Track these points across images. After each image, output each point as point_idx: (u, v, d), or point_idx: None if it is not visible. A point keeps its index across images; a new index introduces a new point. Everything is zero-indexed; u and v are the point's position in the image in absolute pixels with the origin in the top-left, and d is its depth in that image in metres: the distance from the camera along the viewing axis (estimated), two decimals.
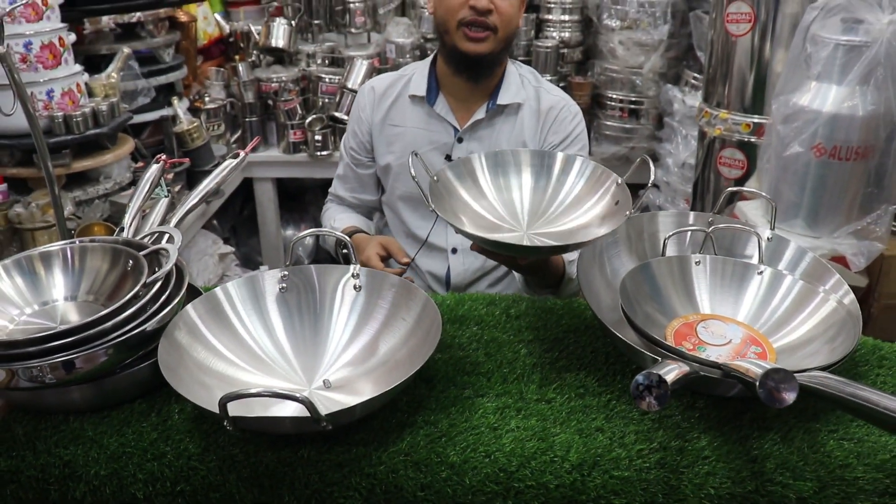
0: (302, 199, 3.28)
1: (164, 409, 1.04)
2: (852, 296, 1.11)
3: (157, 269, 1.13)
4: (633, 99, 2.65)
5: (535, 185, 1.29)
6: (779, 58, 1.95)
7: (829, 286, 1.12)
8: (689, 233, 1.25)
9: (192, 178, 2.28)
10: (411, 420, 1.00)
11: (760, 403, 0.99)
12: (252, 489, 0.95)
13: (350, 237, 1.59)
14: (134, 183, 2.05)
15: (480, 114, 1.62)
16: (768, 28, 1.94)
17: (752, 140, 2.03)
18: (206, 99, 2.62)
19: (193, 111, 2.55)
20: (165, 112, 2.28)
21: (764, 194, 1.30)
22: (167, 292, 1.11)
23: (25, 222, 1.78)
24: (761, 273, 1.13)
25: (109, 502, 0.97)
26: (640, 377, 0.79)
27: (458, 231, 1.16)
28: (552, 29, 2.78)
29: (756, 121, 2.01)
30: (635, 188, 1.18)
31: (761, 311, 1.13)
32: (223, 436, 0.98)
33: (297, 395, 0.86)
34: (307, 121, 2.77)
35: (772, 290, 1.13)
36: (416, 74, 1.66)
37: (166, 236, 1.25)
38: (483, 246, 1.20)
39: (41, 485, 0.98)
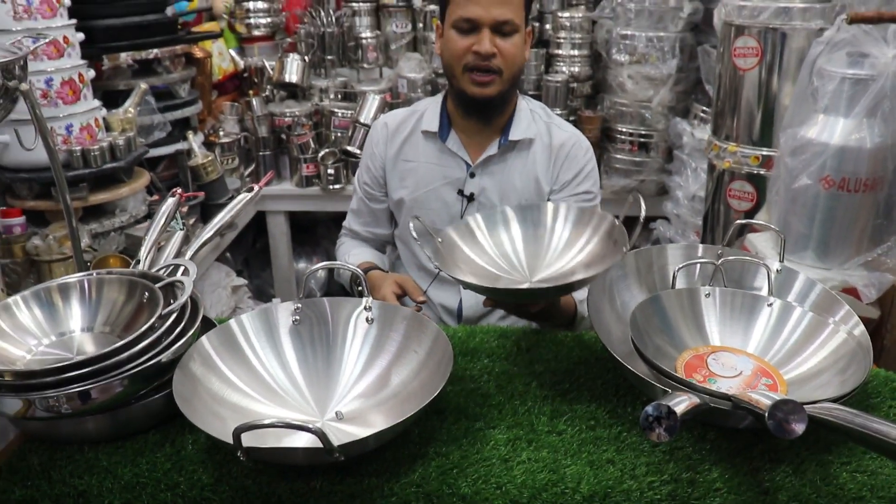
0: (314, 232, 3.31)
1: (177, 440, 1.05)
2: (862, 327, 1.11)
3: (172, 301, 1.15)
4: (643, 132, 2.67)
5: (531, 235, 1.37)
6: (786, 91, 1.97)
7: (839, 317, 1.12)
8: (699, 266, 1.26)
9: (206, 211, 2.31)
10: (423, 451, 1.00)
11: (772, 435, 1.00)
12: None
13: (365, 273, 1.62)
14: (149, 216, 2.08)
15: (492, 149, 1.64)
16: (775, 62, 1.96)
17: (762, 172, 2.04)
18: (221, 133, 2.67)
19: (208, 145, 2.60)
20: (181, 146, 2.32)
21: (773, 227, 1.31)
22: (182, 324, 1.12)
23: (43, 254, 1.81)
24: (771, 305, 1.14)
25: None
26: (649, 408, 0.80)
27: (467, 286, 1.22)
28: (562, 64, 2.82)
29: (765, 153, 2.02)
30: (648, 221, 1.22)
31: (771, 342, 1.13)
32: (236, 467, 0.99)
33: (310, 426, 0.87)
34: (320, 155, 2.81)
35: (781, 322, 1.14)
36: (429, 111, 1.69)
37: (181, 269, 1.27)
38: (492, 297, 1.31)
39: None
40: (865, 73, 1.63)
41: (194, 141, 2.34)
